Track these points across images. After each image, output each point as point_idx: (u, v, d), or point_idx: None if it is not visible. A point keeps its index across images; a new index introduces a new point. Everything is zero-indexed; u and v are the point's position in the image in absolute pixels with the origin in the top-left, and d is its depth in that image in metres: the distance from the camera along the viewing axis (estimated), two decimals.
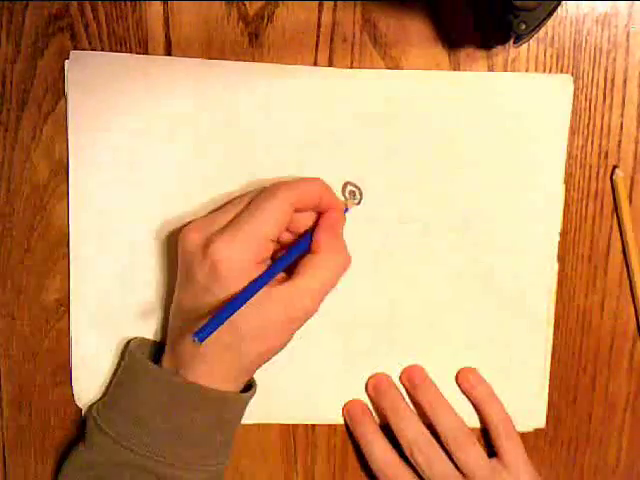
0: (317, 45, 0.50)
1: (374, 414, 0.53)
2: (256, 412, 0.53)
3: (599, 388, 0.54)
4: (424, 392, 0.52)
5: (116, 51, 0.50)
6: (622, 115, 0.51)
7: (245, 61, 0.50)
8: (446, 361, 0.53)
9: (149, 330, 0.53)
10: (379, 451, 0.52)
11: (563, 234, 0.52)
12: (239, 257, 0.45)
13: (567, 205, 0.52)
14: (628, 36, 0.50)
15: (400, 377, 0.53)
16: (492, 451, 0.52)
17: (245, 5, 0.50)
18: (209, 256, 0.45)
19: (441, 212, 0.51)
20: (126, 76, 0.50)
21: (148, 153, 0.51)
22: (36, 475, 0.55)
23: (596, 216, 0.52)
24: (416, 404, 0.53)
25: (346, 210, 0.50)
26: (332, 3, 0.50)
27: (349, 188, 0.51)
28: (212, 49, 0.50)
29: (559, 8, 0.46)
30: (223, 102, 0.50)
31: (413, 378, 0.52)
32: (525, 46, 0.50)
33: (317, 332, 0.52)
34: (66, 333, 0.53)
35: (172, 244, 0.52)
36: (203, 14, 0.50)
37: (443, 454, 0.50)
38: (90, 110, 0.50)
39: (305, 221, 0.48)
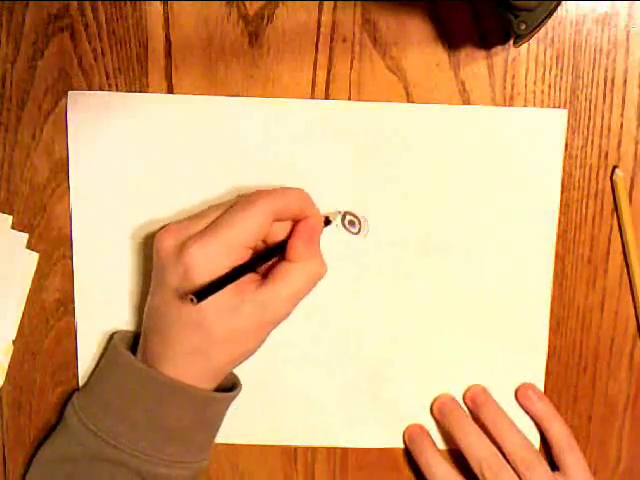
0: (317, 45, 0.50)
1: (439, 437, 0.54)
2: (256, 434, 0.54)
3: (599, 388, 0.54)
4: (488, 411, 0.52)
5: (116, 51, 0.50)
6: (622, 115, 0.51)
7: (245, 63, 0.50)
8: (450, 370, 0.53)
9: None
10: (441, 471, 0.52)
11: (563, 234, 0.52)
12: (213, 263, 0.44)
13: (567, 205, 0.52)
14: (628, 36, 0.50)
15: (463, 397, 0.53)
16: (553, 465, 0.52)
17: (245, 5, 0.50)
18: (182, 260, 0.44)
19: (439, 240, 0.52)
20: (124, 114, 0.50)
21: (147, 156, 0.51)
22: None
23: (596, 216, 0.52)
24: (479, 424, 0.52)
25: (328, 223, 0.49)
26: (332, 3, 0.50)
27: (348, 218, 0.51)
28: (212, 49, 0.50)
29: (559, 8, 0.46)
30: (222, 137, 0.51)
31: (476, 398, 0.52)
32: (525, 46, 0.50)
33: (320, 354, 0.53)
34: (66, 333, 0.53)
35: None
36: (203, 14, 0.50)
37: (512, 471, 0.50)
38: (90, 148, 0.51)
39: (282, 229, 0.47)
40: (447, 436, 0.54)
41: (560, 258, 0.52)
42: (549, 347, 0.53)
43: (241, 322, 0.45)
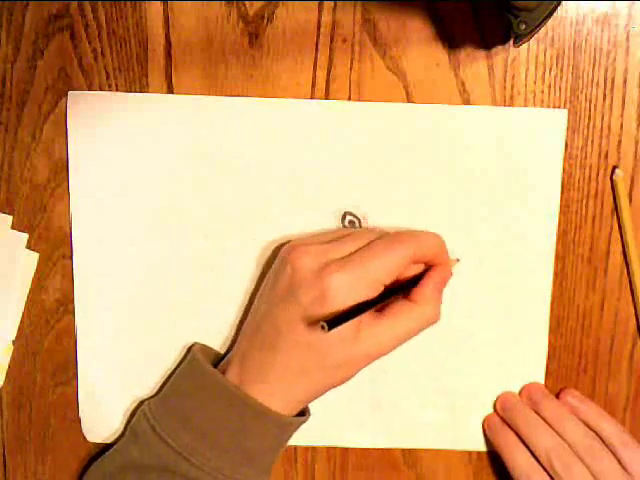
0: (317, 45, 0.50)
1: None
2: None
3: (599, 388, 0.54)
4: (548, 407, 0.52)
5: (116, 51, 0.50)
6: (622, 115, 0.51)
7: (245, 63, 0.50)
8: (450, 370, 0.53)
9: (153, 328, 0.53)
10: (523, 458, 0.51)
11: (563, 234, 0.52)
12: (353, 292, 0.45)
13: (567, 205, 0.52)
14: (628, 36, 0.50)
15: (520, 395, 0.53)
16: None
17: (245, 5, 0.50)
18: (323, 283, 0.45)
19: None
20: (124, 114, 0.50)
21: (147, 156, 0.51)
22: (36, 475, 0.55)
23: (596, 216, 0.52)
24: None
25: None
26: (332, 3, 0.50)
27: (348, 218, 0.51)
28: (212, 49, 0.50)
29: (559, 8, 0.46)
30: (222, 137, 0.51)
31: (534, 395, 0.52)
32: (525, 46, 0.50)
33: None
34: (66, 333, 0.53)
35: (173, 243, 0.52)
36: (203, 14, 0.50)
37: (580, 461, 0.50)
38: (90, 148, 0.51)
39: (410, 269, 0.48)
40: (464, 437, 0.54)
41: (560, 258, 0.52)
42: (549, 347, 0.53)
43: (356, 351, 0.46)
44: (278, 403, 0.47)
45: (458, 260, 0.51)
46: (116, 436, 0.54)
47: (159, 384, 0.53)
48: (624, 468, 0.50)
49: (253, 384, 0.47)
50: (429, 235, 0.49)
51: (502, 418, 0.53)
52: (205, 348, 0.52)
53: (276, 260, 0.49)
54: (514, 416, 0.52)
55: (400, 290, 0.47)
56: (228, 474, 0.47)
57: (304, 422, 0.50)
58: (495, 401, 0.53)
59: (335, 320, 0.43)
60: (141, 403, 0.53)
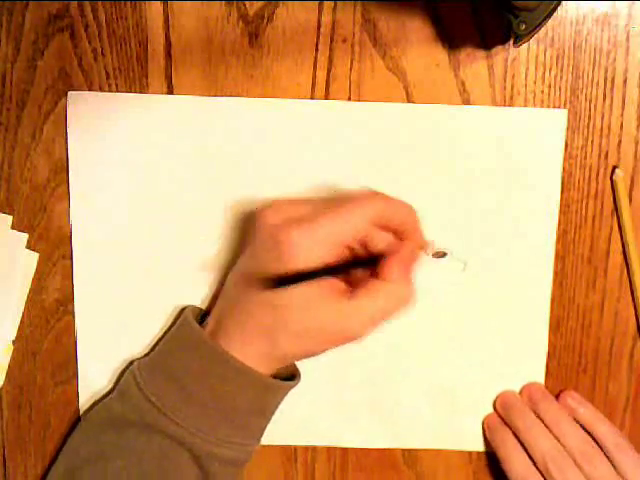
0: (317, 45, 0.50)
1: None
2: None
3: (599, 388, 0.54)
4: (547, 409, 0.52)
5: (116, 51, 0.50)
6: (622, 115, 0.51)
7: (245, 63, 0.50)
8: (450, 370, 0.53)
9: (153, 328, 0.53)
10: (520, 460, 0.51)
11: (563, 234, 0.52)
12: (311, 252, 0.43)
13: (567, 205, 0.52)
14: (628, 36, 0.50)
15: (520, 395, 0.53)
16: None
17: (245, 5, 0.50)
18: (281, 241, 0.43)
19: (438, 240, 0.51)
20: (124, 114, 0.50)
21: (147, 156, 0.51)
22: (36, 475, 0.55)
23: (596, 216, 0.52)
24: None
25: (424, 249, 0.49)
26: (332, 3, 0.50)
27: None
28: (212, 49, 0.50)
29: (559, 8, 0.46)
30: (222, 137, 0.51)
31: (534, 395, 0.52)
32: (525, 46, 0.50)
33: (321, 355, 0.53)
34: (66, 333, 0.53)
35: (173, 243, 0.52)
36: (203, 14, 0.50)
37: (575, 465, 0.50)
38: (90, 148, 0.51)
39: (383, 241, 0.46)
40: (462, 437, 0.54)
41: (560, 258, 0.52)
42: (549, 347, 0.53)
43: (316, 323, 0.44)
44: (253, 362, 0.46)
45: (444, 255, 0.50)
46: None
47: None
48: (618, 471, 0.50)
49: (229, 343, 0.46)
50: (397, 201, 0.46)
51: (501, 417, 0.53)
52: (196, 309, 0.52)
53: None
54: (513, 416, 0.52)
55: (368, 261, 0.45)
56: (207, 431, 0.46)
57: (290, 387, 0.49)
58: (495, 399, 0.53)
59: (291, 278, 0.42)
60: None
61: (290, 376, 0.50)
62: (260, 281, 0.44)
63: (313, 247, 0.43)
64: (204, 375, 0.46)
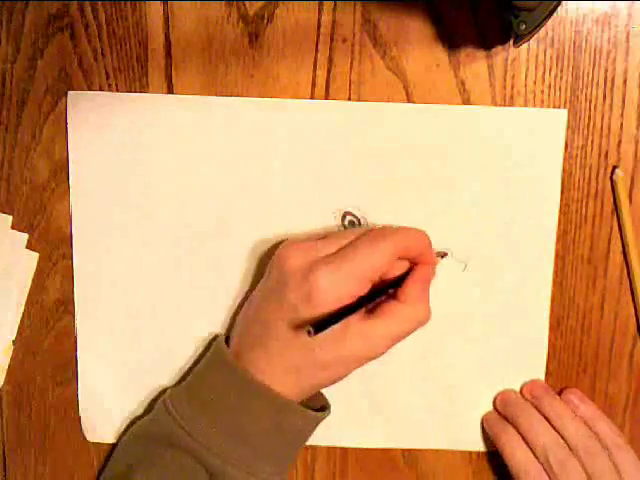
0: (317, 45, 0.50)
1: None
2: None
3: (599, 388, 0.54)
4: (549, 403, 0.52)
5: (116, 51, 0.50)
6: (622, 115, 0.51)
7: (245, 63, 0.50)
8: (450, 369, 0.53)
9: (153, 328, 0.53)
10: (521, 453, 0.51)
11: (563, 234, 0.52)
12: (340, 290, 0.45)
13: (567, 205, 0.52)
14: (628, 36, 0.50)
15: (521, 392, 0.53)
16: None
17: (245, 5, 0.50)
18: (309, 281, 0.45)
19: (438, 240, 0.51)
20: (124, 114, 0.50)
21: (147, 156, 0.51)
22: (36, 475, 0.55)
23: (596, 216, 0.52)
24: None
25: (442, 257, 0.51)
26: (332, 3, 0.50)
27: (348, 218, 0.51)
28: (212, 49, 0.50)
29: (559, 8, 0.46)
30: (222, 137, 0.51)
31: (535, 391, 0.53)
32: (525, 46, 0.50)
33: None
34: (66, 333, 0.53)
35: (172, 242, 0.52)
36: (203, 14, 0.50)
37: (576, 459, 0.50)
38: (90, 148, 0.51)
39: (396, 270, 0.48)
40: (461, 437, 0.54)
41: (560, 258, 0.52)
42: (549, 347, 0.53)
43: (344, 351, 0.46)
44: (281, 393, 0.47)
45: (445, 255, 0.51)
46: (116, 436, 0.54)
47: (159, 384, 0.53)
48: (617, 468, 0.50)
49: (255, 373, 0.47)
50: (413, 231, 0.48)
51: (501, 414, 0.53)
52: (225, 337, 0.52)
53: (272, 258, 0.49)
54: (514, 411, 0.52)
55: (388, 289, 0.47)
56: (224, 450, 0.47)
57: (320, 418, 0.49)
58: (495, 398, 0.53)
59: (323, 322, 0.43)
60: (141, 403, 0.53)
61: (320, 408, 0.50)
62: (288, 322, 0.45)
63: (342, 288, 0.45)
64: (222, 392, 0.47)
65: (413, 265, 0.48)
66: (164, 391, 0.51)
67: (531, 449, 0.51)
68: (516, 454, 0.51)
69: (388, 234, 0.46)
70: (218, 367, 0.48)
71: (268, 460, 0.48)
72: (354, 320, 0.46)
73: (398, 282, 0.47)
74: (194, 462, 0.47)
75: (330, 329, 0.43)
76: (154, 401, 0.53)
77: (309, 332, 0.42)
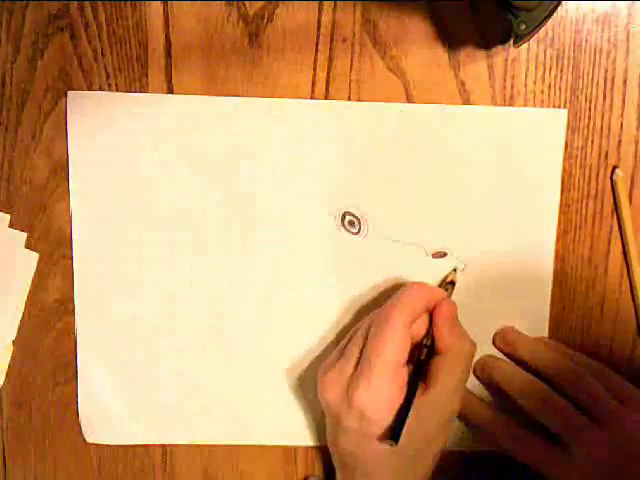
0: (317, 45, 0.50)
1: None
2: (256, 434, 0.54)
3: None
4: (524, 343, 0.51)
5: (116, 51, 0.50)
6: (622, 115, 0.51)
7: (245, 63, 0.50)
8: None
9: (152, 328, 0.53)
10: (521, 379, 0.50)
11: (563, 234, 0.52)
12: (382, 395, 0.45)
13: (567, 205, 0.52)
14: (628, 36, 0.50)
15: (494, 341, 0.52)
16: None
17: (245, 5, 0.50)
18: (354, 406, 0.45)
19: (439, 240, 0.52)
20: (124, 114, 0.50)
21: (147, 156, 0.51)
22: (36, 475, 0.55)
23: (596, 216, 0.52)
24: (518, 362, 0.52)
25: (452, 284, 0.51)
26: (332, 3, 0.50)
27: (348, 218, 0.51)
28: (212, 49, 0.50)
29: (559, 8, 0.46)
30: (222, 137, 0.51)
31: (507, 337, 0.52)
32: (525, 46, 0.50)
33: (321, 355, 0.53)
34: (66, 333, 0.53)
35: (172, 242, 0.52)
36: (203, 14, 0.50)
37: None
38: (90, 148, 0.51)
39: (420, 329, 0.48)
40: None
41: (560, 258, 0.52)
42: None
43: (424, 429, 0.46)
44: None
45: (457, 269, 0.51)
46: (115, 437, 0.54)
47: (159, 384, 0.53)
48: (617, 397, 0.49)
49: None
50: (412, 292, 0.47)
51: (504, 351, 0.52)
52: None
53: None
54: (517, 344, 0.51)
55: (426, 344, 0.47)
56: None
57: None
58: (495, 335, 0.52)
59: (396, 429, 0.44)
60: (140, 403, 0.53)
61: None
62: (365, 441, 0.46)
63: (383, 391, 0.45)
64: None
65: (430, 312, 0.48)
66: (163, 391, 0.51)
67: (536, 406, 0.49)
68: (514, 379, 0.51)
69: (391, 315, 0.46)
70: None
71: None
72: (419, 403, 0.46)
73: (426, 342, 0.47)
74: None
75: (406, 427, 0.44)
76: (154, 401, 0.53)
77: (391, 444, 0.43)
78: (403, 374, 0.46)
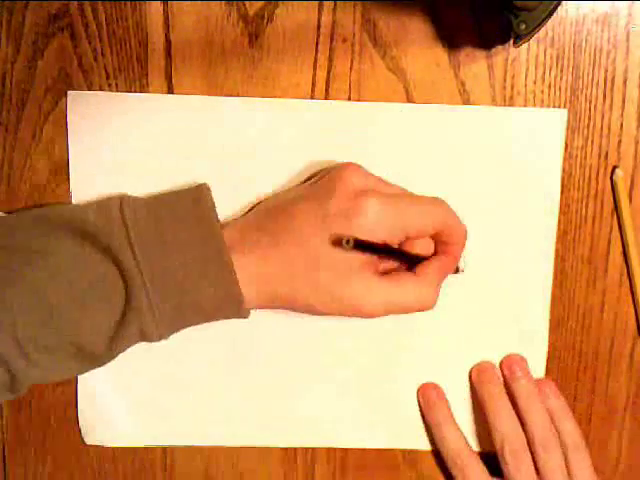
0: (317, 45, 0.50)
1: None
2: (256, 435, 0.54)
3: (599, 388, 0.54)
4: (523, 385, 0.52)
5: (116, 51, 0.50)
6: (622, 115, 0.51)
7: (245, 63, 0.50)
8: (451, 369, 0.53)
9: None
10: (452, 437, 0.52)
11: (563, 234, 0.52)
12: (379, 223, 0.45)
13: (567, 205, 0.52)
14: (628, 36, 0.50)
15: (500, 365, 0.53)
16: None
17: (245, 5, 0.50)
18: (358, 201, 0.45)
19: None
20: (124, 114, 0.50)
21: (147, 156, 0.51)
22: (36, 475, 0.55)
23: (596, 216, 0.52)
24: (510, 395, 0.52)
25: (456, 271, 0.50)
26: (332, 3, 0.50)
27: None
28: (212, 49, 0.50)
29: (559, 8, 0.46)
30: (222, 137, 0.51)
31: (514, 369, 0.52)
32: (525, 46, 0.50)
33: (321, 355, 0.53)
34: None
35: None
36: (203, 14, 0.50)
37: (529, 455, 0.50)
38: (90, 148, 0.51)
39: (426, 245, 0.48)
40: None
41: (560, 258, 0.52)
42: (549, 347, 0.53)
43: (339, 287, 0.45)
44: (250, 287, 0.45)
45: (462, 271, 0.51)
46: (115, 438, 0.54)
47: (159, 386, 0.53)
48: (569, 469, 0.50)
49: (241, 256, 0.45)
50: (460, 222, 0.48)
51: (473, 384, 0.53)
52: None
53: (333, 167, 0.48)
54: (486, 391, 0.52)
55: (406, 258, 0.47)
56: (155, 286, 0.44)
57: (241, 316, 0.47)
58: (472, 368, 0.53)
59: (364, 245, 0.43)
60: (140, 404, 0.53)
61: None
62: (312, 227, 0.45)
63: (384, 224, 0.45)
64: (192, 259, 0.45)
65: (438, 252, 0.48)
66: (163, 392, 0.51)
67: (491, 430, 0.51)
68: (447, 437, 0.52)
69: (447, 209, 0.47)
70: (198, 223, 0.46)
71: (182, 325, 0.47)
72: (366, 266, 0.45)
73: (417, 260, 0.47)
74: (118, 279, 0.44)
75: (345, 261, 0.43)
76: (153, 403, 0.53)
77: (347, 242, 0.42)
78: (396, 238, 0.46)
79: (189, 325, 0.47)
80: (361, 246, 0.43)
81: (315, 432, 0.54)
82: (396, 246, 0.47)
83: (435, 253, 0.48)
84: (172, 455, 0.55)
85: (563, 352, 0.53)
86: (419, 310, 0.47)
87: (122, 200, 0.46)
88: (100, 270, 0.45)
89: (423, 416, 0.53)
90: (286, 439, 0.54)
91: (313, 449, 0.55)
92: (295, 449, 0.55)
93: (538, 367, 0.53)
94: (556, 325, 0.53)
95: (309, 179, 0.50)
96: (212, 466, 0.55)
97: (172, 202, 0.47)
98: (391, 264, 0.48)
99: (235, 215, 0.51)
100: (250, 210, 0.51)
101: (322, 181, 0.47)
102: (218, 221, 0.46)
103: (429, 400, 0.53)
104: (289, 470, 0.55)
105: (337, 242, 0.44)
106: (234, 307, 0.46)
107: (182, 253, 0.45)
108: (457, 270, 0.51)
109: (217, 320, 0.47)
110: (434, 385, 0.53)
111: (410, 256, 0.48)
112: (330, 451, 0.55)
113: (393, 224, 0.45)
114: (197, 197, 0.47)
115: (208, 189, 0.47)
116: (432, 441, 0.54)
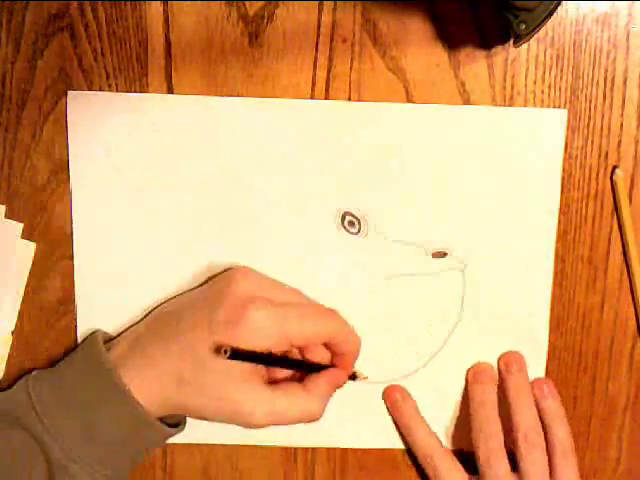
0: (317, 45, 0.50)
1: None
2: (256, 434, 0.53)
3: (599, 388, 0.54)
4: (517, 380, 0.52)
5: (116, 51, 0.50)
6: (622, 115, 0.51)
7: (245, 63, 0.50)
8: (450, 370, 0.53)
9: None
10: (421, 436, 0.52)
11: (563, 234, 0.52)
12: (265, 331, 0.45)
13: (567, 205, 0.52)
14: (628, 36, 0.50)
15: (499, 360, 0.53)
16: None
17: (245, 5, 0.50)
18: (246, 310, 0.45)
19: (439, 240, 0.52)
20: (124, 114, 0.50)
21: (147, 156, 0.51)
22: None
23: (596, 216, 0.52)
24: (503, 389, 0.52)
25: (353, 378, 0.51)
26: (332, 3, 0.50)
27: (348, 218, 0.51)
28: (212, 49, 0.50)
29: (559, 8, 0.46)
30: (222, 137, 0.51)
31: (511, 365, 0.52)
32: (525, 46, 0.50)
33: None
34: (66, 333, 0.53)
35: (173, 242, 0.52)
36: (203, 14, 0.50)
37: (505, 457, 0.50)
38: (90, 148, 0.51)
39: (319, 355, 0.49)
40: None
41: (560, 258, 0.52)
42: (549, 347, 0.53)
43: (227, 395, 0.46)
44: (149, 400, 0.46)
45: (366, 377, 0.52)
46: None
47: None
48: (553, 474, 0.50)
49: (132, 373, 0.46)
50: (353, 332, 0.49)
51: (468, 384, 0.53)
52: (107, 334, 0.52)
53: (227, 269, 0.50)
54: (479, 392, 0.52)
55: (297, 366, 0.48)
56: (72, 445, 0.46)
57: (169, 434, 0.49)
58: (469, 369, 0.53)
59: (243, 355, 0.43)
60: None
61: (175, 423, 0.50)
62: (201, 337, 0.45)
63: (266, 333, 0.45)
64: (80, 381, 0.47)
65: (332, 360, 0.49)
66: None
67: (473, 431, 0.51)
68: (418, 435, 0.52)
69: (335, 318, 0.48)
70: (88, 361, 0.48)
71: (111, 464, 0.48)
72: (253, 375, 0.46)
73: (312, 367, 0.48)
74: (37, 450, 0.46)
75: (231, 369, 0.44)
76: None
77: (225, 352, 0.42)
78: (283, 347, 0.46)
79: (126, 462, 0.48)
80: (240, 356, 0.43)
81: (315, 432, 0.54)
82: (283, 354, 0.47)
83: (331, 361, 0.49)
84: (172, 454, 0.55)
85: (563, 352, 0.53)
86: (305, 422, 0.48)
87: (27, 380, 0.49)
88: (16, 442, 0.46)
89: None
90: (286, 439, 0.54)
91: (313, 449, 0.55)
92: (295, 449, 0.55)
93: (538, 367, 0.53)
94: (556, 325, 0.53)
95: (210, 279, 0.51)
96: (212, 466, 0.55)
97: (71, 363, 0.49)
98: (283, 372, 0.49)
99: (235, 215, 0.51)
100: (149, 313, 0.52)
101: (215, 286, 0.48)
102: (107, 359, 0.47)
103: (395, 402, 0.53)
104: (289, 470, 0.55)
105: (218, 350, 0.44)
106: (148, 428, 0.47)
107: (80, 396, 0.47)
108: (355, 377, 0.51)
109: (149, 447, 0.49)
110: (399, 387, 0.53)
111: (303, 364, 0.48)
112: (330, 451, 0.55)
113: (277, 334, 0.45)
114: (88, 344, 0.49)
115: (97, 336, 0.49)
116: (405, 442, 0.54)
